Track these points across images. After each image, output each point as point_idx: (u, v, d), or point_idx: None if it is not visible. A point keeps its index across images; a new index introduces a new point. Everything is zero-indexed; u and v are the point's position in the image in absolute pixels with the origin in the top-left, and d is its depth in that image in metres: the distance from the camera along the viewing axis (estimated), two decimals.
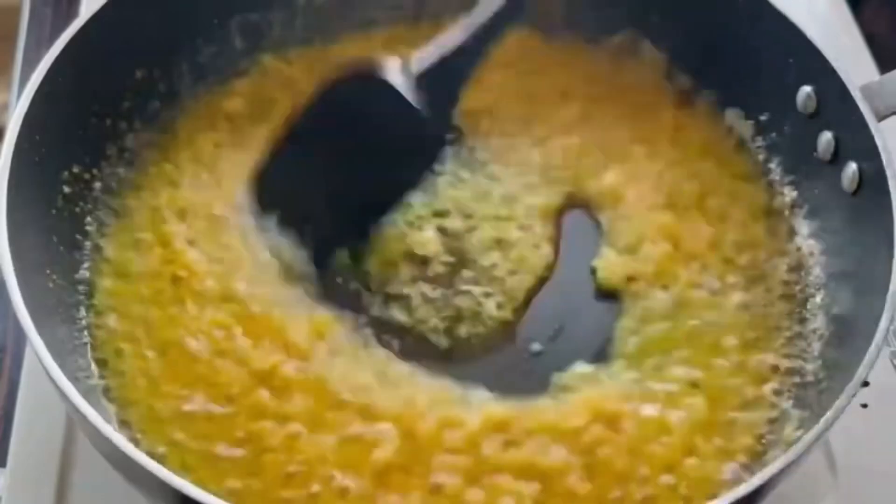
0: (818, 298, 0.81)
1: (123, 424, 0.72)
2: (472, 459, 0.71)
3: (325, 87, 0.80)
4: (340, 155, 0.79)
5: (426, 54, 0.80)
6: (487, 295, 0.81)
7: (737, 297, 0.81)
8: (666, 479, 0.71)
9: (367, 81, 0.79)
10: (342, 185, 0.80)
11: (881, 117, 0.78)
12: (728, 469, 0.72)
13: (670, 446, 0.73)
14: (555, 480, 0.71)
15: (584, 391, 0.76)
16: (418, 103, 0.79)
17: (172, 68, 0.90)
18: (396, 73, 0.79)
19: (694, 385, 0.76)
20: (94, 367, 0.75)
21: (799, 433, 0.71)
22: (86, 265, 0.80)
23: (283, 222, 0.80)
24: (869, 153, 0.76)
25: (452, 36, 0.80)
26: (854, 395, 0.66)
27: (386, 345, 0.78)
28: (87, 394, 0.67)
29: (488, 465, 0.71)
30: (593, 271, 0.84)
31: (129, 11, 0.84)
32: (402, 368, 0.77)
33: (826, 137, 0.82)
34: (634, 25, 0.95)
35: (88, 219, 0.82)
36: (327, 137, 0.79)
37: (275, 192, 0.81)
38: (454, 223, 0.85)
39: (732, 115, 0.91)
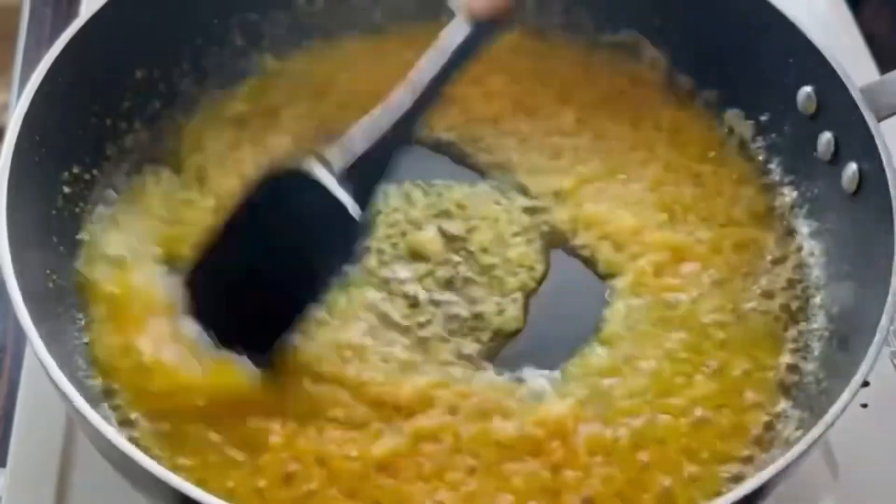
0: (818, 298, 0.81)
1: (123, 424, 0.72)
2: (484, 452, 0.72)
3: (251, 188, 0.76)
4: (263, 254, 0.75)
5: (346, 148, 0.76)
6: (487, 294, 0.81)
7: (737, 298, 0.81)
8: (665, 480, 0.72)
9: (293, 179, 0.75)
10: (260, 285, 0.75)
11: (881, 117, 0.78)
12: (727, 469, 0.73)
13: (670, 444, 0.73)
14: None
15: (577, 381, 0.77)
16: (344, 197, 0.75)
17: (172, 68, 0.90)
18: (320, 169, 0.75)
19: (693, 384, 0.77)
20: (93, 367, 0.75)
21: (799, 433, 0.71)
22: (86, 265, 0.80)
23: (207, 325, 0.75)
24: (869, 153, 0.76)
25: (372, 126, 0.76)
26: (854, 396, 0.66)
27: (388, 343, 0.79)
28: (86, 394, 0.67)
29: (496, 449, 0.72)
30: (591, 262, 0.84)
31: (129, 11, 0.84)
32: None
33: (826, 138, 0.82)
34: (634, 26, 0.95)
35: (88, 219, 0.82)
36: (253, 236, 0.75)
37: (202, 294, 0.76)
38: (455, 224, 0.85)
39: (732, 116, 0.91)
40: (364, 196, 0.76)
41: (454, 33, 0.76)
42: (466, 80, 0.93)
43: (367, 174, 0.76)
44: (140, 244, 0.82)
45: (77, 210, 0.81)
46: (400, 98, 0.76)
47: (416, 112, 0.76)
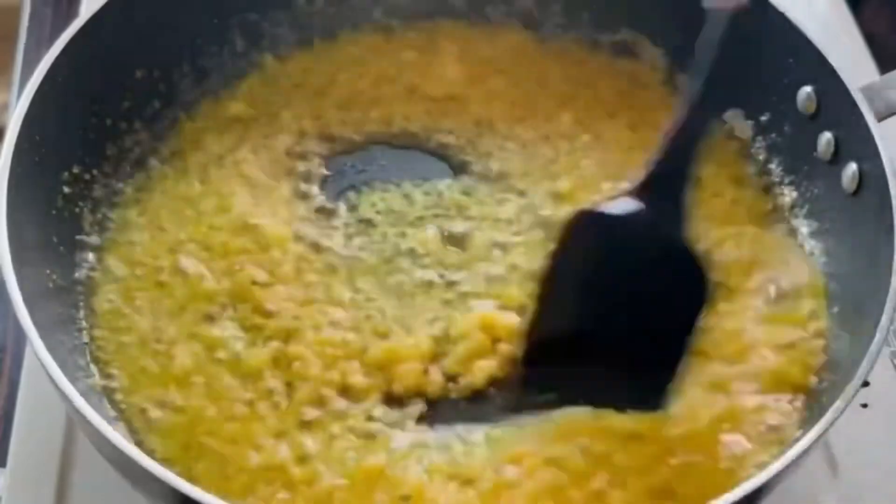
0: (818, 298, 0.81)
1: (123, 424, 0.72)
2: None
3: (558, 248, 0.74)
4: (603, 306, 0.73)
5: (642, 168, 0.73)
6: (488, 296, 0.81)
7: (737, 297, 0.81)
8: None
9: (588, 225, 0.73)
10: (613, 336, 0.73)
11: (881, 117, 0.78)
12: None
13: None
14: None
15: None
16: (644, 220, 0.71)
17: (172, 68, 0.90)
18: (612, 203, 0.73)
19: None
20: (93, 367, 0.75)
21: (799, 433, 0.71)
22: (86, 265, 0.80)
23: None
24: (869, 153, 0.76)
25: (665, 135, 0.73)
26: (854, 395, 0.66)
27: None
28: (86, 394, 0.67)
29: None
30: None
31: (130, 12, 0.84)
32: None
33: (826, 138, 0.82)
34: (634, 26, 0.95)
35: (88, 219, 0.82)
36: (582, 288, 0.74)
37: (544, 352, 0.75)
38: (455, 224, 0.85)
39: (732, 116, 0.91)
40: (676, 209, 0.72)
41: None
42: (465, 82, 0.94)
43: (670, 184, 0.72)
44: (142, 243, 0.82)
45: (77, 210, 0.81)
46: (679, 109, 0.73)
47: (701, 101, 0.72)
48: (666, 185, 0.72)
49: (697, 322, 0.72)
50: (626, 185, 0.74)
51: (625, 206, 0.73)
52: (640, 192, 0.73)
